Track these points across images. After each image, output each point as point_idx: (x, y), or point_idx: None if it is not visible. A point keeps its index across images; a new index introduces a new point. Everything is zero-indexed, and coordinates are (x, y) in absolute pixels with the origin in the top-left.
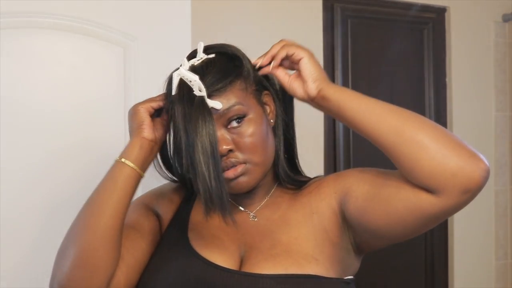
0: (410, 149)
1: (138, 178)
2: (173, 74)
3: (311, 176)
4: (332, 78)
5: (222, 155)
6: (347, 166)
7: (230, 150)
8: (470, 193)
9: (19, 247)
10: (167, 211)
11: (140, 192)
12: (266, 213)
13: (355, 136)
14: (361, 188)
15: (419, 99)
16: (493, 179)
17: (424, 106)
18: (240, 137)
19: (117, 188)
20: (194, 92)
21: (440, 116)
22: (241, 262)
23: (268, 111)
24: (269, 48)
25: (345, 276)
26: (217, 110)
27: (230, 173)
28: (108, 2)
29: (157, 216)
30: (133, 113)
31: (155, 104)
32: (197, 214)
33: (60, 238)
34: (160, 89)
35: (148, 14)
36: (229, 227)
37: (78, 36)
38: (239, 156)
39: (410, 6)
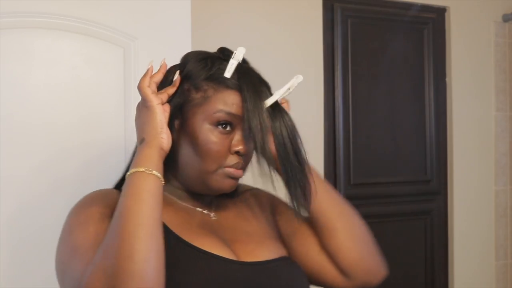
0: (345, 237)
1: (162, 184)
2: (232, 59)
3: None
4: (332, 78)
5: (239, 153)
6: (347, 166)
7: (243, 154)
8: (367, 285)
9: (19, 247)
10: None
11: None
12: (222, 213)
13: (355, 136)
14: (289, 224)
15: (419, 99)
16: (493, 179)
17: (424, 106)
18: (250, 150)
19: (151, 199)
20: (284, 92)
21: (440, 116)
22: (235, 254)
23: None
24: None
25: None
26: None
27: (237, 172)
28: (108, 2)
29: None
30: (149, 112)
31: (171, 91)
32: (167, 217)
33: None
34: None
35: (148, 14)
36: (202, 227)
37: (78, 36)
38: (246, 160)
39: (410, 6)
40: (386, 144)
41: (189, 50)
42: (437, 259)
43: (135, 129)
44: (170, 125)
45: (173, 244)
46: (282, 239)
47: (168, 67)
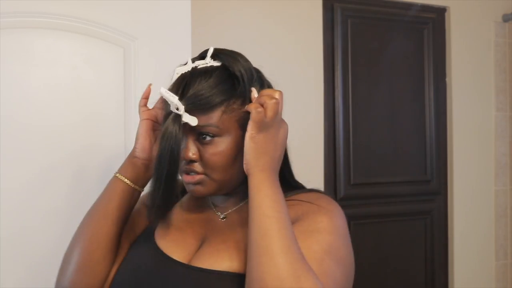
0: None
1: (134, 192)
2: (176, 69)
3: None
4: (332, 78)
5: (185, 161)
6: (347, 166)
7: (192, 161)
8: None
9: (19, 248)
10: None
11: None
12: (235, 216)
13: (355, 136)
14: (312, 253)
15: (419, 99)
16: (493, 179)
17: (424, 106)
18: (205, 152)
19: (111, 200)
20: (171, 109)
21: (440, 116)
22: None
23: None
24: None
25: None
26: (190, 125)
27: (188, 178)
28: (108, 2)
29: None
30: (139, 124)
31: (159, 112)
32: (174, 209)
33: (60, 241)
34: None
35: (148, 14)
36: (196, 222)
37: (78, 36)
38: (199, 167)
39: (410, 6)
40: (386, 144)
41: (189, 50)
42: (437, 259)
43: (135, 129)
44: None
45: (142, 235)
46: None
47: (168, 67)
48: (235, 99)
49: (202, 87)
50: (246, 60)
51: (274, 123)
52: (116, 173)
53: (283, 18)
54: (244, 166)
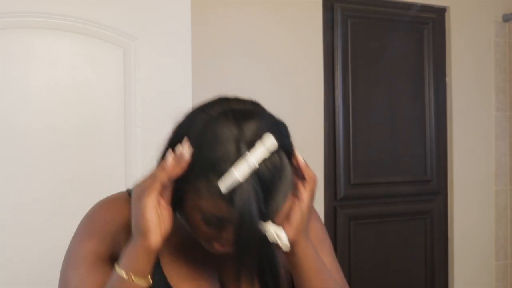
0: None
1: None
2: (234, 171)
3: None
4: (332, 78)
5: None
6: (347, 166)
7: None
8: None
9: (19, 248)
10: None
11: None
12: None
13: (355, 136)
14: (308, 257)
15: (419, 99)
16: (493, 179)
17: (424, 106)
18: None
19: None
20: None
21: (440, 116)
22: (222, 285)
23: None
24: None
25: None
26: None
27: (227, 249)
28: (108, 2)
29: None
30: (140, 208)
31: (166, 182)
32: (165, 254)
33: (57, 242)
34: (160, 89)
35: (148, 14)
36: (200, 265)
37: (78, 36)
38: None
39: (410, 6)
40: (386, 144)
41: (189, 50)
42: (437, 259)
43: (135, 129)
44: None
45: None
46: None
47: (168, 67)
48: None
49: (280, 192)
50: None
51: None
52: (131, 277)
53: (283, 18)
54: (291, 235)
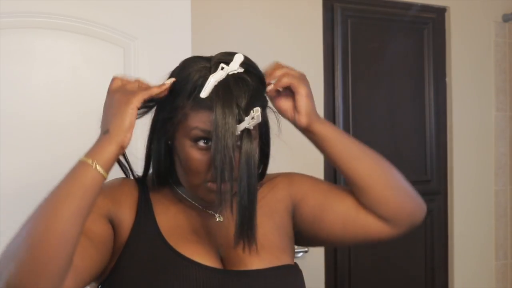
0: (382, 188)
1: (103, 181)
2: (211, 77)
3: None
4: (332, 78)
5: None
6: None
7: None
8: (412, 227)
9: None
10: (125, 218)
11: None
12: (229, 214)
13: (355, 136)
14: (315, 198)
15: (419, 99)
16: (493, 179)
17: (424, 106)
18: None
19: (81, 192)
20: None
21: (440, 116)
22: (223, 262)
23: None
24: (270, 66)
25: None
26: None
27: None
28: (108, 2)
29: (112, 223)
30: (122, 107)
31: (155, 91)
32: (164, 219)
33: None
34: None
35: (148, 14)
36: (201, 230)
37: (78, 36)
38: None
39: (410, 6)
40: (386, 144)
41: (189, 50)
42: (437, 259)
43: (135, 129)
44: (161, 135)
45: (158, 248)
46: (304, 228)
47: (168, 67)
48: (263, 105)
49: (245, 95)
50: None
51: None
52: (89, 158)
53: (283, 18)
54: (305, 117)
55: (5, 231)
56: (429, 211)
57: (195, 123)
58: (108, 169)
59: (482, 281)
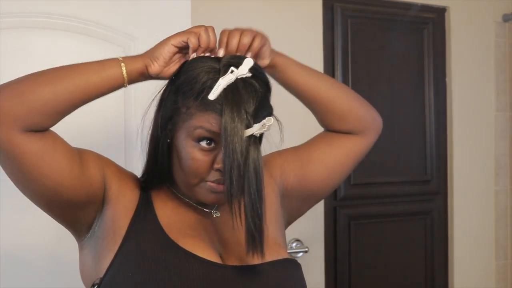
0: (342, 101)
1: (120, 85)
2: (221, 79)
3: None
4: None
5: (219, 170)
6: None
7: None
8: (378, 134)
9: (19, 247)
10: (123, 201)
11: None
12: (226, 209)
13: None
14: (292, 162)
15: (419, 99)
16: (493, 179)
17: (424, 106)
18: None
19: (97, 73)
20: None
21: (440, 116)
22: (222, 258)
23: None
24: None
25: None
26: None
27: (221, 188)
28: (108, 2)
29: (105, 187)
30: (161, 43)
31: (182, 41)
32: (163, 214)
33: (59, 241)
34: (160, 88)
35: (148, 14)
36: (199, 226)
37: (78, 36)
38: None
39: (410, 6)
40: (386, 144)
41: None
42: (437, 259)
43: (135, 129)
44: (161, 133)
45: (159, 241)
46: (297, 194)
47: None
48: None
49: (254, 103)
50: None
51: (245, 29)
52: (122, 60)
53: (283, 17)
54: (267, 61)
55: (5, 230)
56: (429, 211)
57: (200, 123)
58: (129, 78)
59: (482, 281)
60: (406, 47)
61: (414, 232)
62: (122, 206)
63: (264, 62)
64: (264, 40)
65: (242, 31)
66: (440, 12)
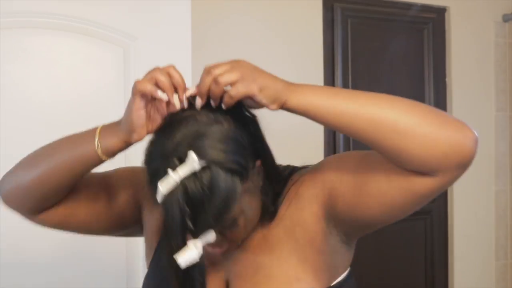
0: (393, 140)
1: (100, 162)
2: (159, 184)
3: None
4: (332, 78)
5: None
6: None
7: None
8: (465, 166)
9: (19, 247)
10: (157, 215)
11: None
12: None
13: None
14: (345, 184)
15: (419, 99)
16: (493, 179)
17: None
18: (234, 233)
19: (74, 157)
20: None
21: None
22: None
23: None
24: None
25: (338, 277)
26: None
27: (217, 251)
28: (108, 2)
29: (139, 210)
30: (128, 110)
31: (146, 95)
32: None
33: (59, 242)
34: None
35: (148, 14)
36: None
37: (78, 36)
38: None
39: (410, 6)
40: None
41: (189, 50)
42: (437, 259)
43: None
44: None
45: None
46: (345, 219)
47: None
48: (245, 180)
49: (207, 209)
50: (218, 132)
51: (235, 66)
52: (99, 144)
53: (283, 17)
54: (274, 107)
55: (5, 229)
56: (429, 211)
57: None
58: (109, 155)
59: (482, 281)
60: (406, 47)
61: (414, 232)
62: (154, 220)
63: (270, 107)
64: (253, 86)
65: (225, 68)
66: (440, 12)
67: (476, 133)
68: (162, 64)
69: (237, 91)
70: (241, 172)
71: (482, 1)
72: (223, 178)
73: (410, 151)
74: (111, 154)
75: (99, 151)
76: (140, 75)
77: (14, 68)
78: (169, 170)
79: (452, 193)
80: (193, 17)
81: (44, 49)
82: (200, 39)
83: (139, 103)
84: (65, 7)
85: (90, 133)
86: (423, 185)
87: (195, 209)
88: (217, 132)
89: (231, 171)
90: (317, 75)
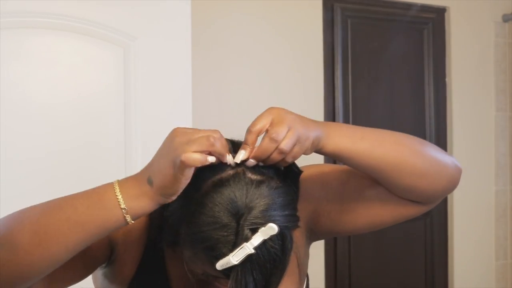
0: (410, 180)
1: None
2: (230, 256)
3: None
4: (332, 78)
5: None
6: None
7: None
8: (444, 196)
9: None
10: (131, 254)
11: None
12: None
13: None
14: (332, 203)
15: (419, 99)
16: (493, 179)
17: (424, 106)
18: None
19: (96, 229)
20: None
21: (440, 116)
22: None
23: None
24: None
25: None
26: None
27: None
28: (108, 2)
29: (111, 249)
30: (179, 173)
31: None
32: (174, 265)
33: None
34: (160, 89)
35: (148, 14)
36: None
37: (78, 36)
38: None
39: (410, 6)
40: None
41: (189, 50)
42: (437, 259)
43: (135, 135)
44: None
45: None
46: (324, 232)
47: (168, 67)
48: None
49: (274, 275)
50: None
51: (291, 126)
52: (124, 203)
53: (283, 17)
54: (310, 152)
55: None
56: (429, 211)
57: (206, 270)
58: (139, 217)
59: (482, 281)
60: (406, 47)
61: (414, 232)
62: (129, 256)
63: (306, 153)
64: (307, 145)
65: (284, 132)
66: (440, 12)
67: (459, 165)
68: (162, 64)
69: (294, 156)
70: (297, 224)
71: (482, 1)
72: (290, 238)
73: (422, 188)
74: (143, 215)
75: (129, 219)
76: (140, 75)
77: (14, 68)
78: (243, 242)
79: (452, 193)
80: (193, 17)
81: (44, 49)
82: (200, 39)
83: (189, 174)
84: (65, 7)
85: (105, 199)
86: (416, 210)
87: (268, 274)
88: (281, 195)
89: (293, 228)
90: (317, 75)
